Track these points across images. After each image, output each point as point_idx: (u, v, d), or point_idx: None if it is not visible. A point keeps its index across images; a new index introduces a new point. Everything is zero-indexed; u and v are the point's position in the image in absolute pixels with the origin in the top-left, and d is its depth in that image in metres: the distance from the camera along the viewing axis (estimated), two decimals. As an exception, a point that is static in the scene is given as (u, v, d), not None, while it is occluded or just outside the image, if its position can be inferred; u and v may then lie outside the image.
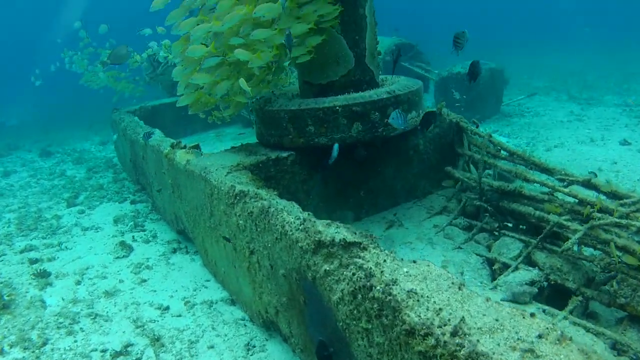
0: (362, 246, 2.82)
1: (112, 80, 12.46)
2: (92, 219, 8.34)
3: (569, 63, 23.97)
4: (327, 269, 2.91)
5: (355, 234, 2.93)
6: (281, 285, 3.62)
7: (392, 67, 6.12)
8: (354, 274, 2.71)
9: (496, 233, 5.19)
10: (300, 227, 3.17)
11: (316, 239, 2.99)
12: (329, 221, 3.16)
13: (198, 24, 4.62)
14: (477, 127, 6.18)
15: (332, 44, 5.08)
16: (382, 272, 2.58)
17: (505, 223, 5.29)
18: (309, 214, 3.38)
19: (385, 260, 2.68)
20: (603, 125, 11.81)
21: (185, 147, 5.81)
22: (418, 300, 2.36)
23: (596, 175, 6.10)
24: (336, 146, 4.61)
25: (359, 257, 2.76)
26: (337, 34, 5.07)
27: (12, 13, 48.12)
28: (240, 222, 4.04)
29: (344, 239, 2.86)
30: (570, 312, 3.92)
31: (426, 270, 2.60)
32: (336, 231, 2.98)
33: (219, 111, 5.81)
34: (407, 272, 2.57)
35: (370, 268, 2.64)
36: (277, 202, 3.71)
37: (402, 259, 2.73)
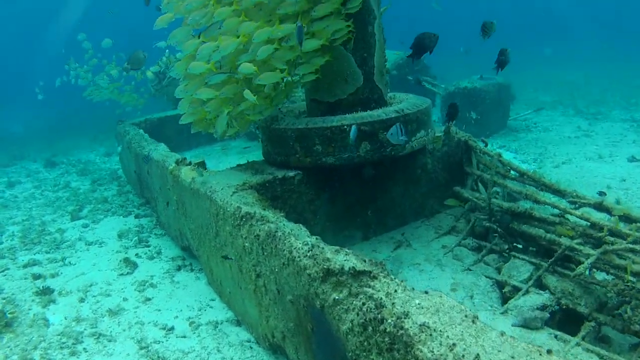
0: (372, 275, 2.75)
1: (115, 92, 12.46)
2: (96, 234, 8.28)
3: (573, 74, 23.91)
4: (336, 297, 2.84)
5: (365, 261, 2.86)
6: (288, 310, 3.54)
7: (398, 82, 6.03)
8: (363, 304, 2.64)
9: (506, 255, 5.10)
10: (309, 254, 3.10)
11: (325, 266, 2.92)
12: (337, 247, 3.09)
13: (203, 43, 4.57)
14: (486, 145, 6.11)
15: (341, 62, 5.03)
16: (393, 303, 2.51)
17: (515, 244, 5.21)
18: (317, 239, 3.31)
19: (396, 291, 2.61)
20: (611, 141, 11.72)
21: (190, 163, 5.76)
22: (431, 335, 2.29)
23: (605, 194, 6.04)
24: (354, 128, 4.52)
25: (369, 287, 2.69)
26: (346, 51, 5.03)
27: (16, 18, 48.31)
28: (247, 244, 3.97)
29: (353, 267, 2.79)
30: (583, 338, 3.83)
31: (439, 302, 2.53)
32: (345, 259, 2.91)
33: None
34: (419, 304, 2.50)
35: (381, 298, 2.57)
36: (284, 225, 3.65)
37: (413, 289, 2.66)
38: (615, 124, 13.41)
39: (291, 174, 4.97)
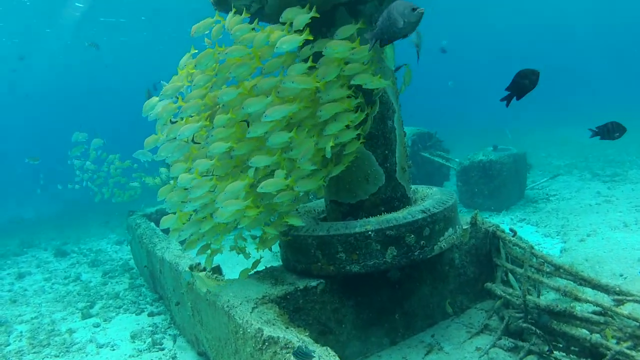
0: None
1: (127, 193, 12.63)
2: (107, 334, 7.91)
3: (582, 133, 23.79)
4: None
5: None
6: None
7: (411, 157, 5.71)
8: None
9: (546, 356, 4.72)
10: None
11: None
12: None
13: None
14: (515, 235, 5.80)
15: (361, 162, 4.82)
16: None
17: (555, 343, 4.83)
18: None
19: None
20: (633, 205, 11.38)
21: (204, 269, 5.47)
22: None
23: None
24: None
25: None
26: (366, 149, 4.81)
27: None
28: (271, 373, 3.63)
29: None
30: None
31: None
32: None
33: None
34: None
35: None
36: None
37: None
38: (636, 186, 13.11)
39: (313, 283, 4.65)
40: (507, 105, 4.31)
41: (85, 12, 28.91)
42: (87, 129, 12.42)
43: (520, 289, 5.11)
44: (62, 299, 10.08)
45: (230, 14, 4.40)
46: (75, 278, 11.58)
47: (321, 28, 4.72)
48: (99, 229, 17.59)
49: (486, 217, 11.66)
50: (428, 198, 5.17)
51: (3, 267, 13.68)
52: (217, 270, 5.37)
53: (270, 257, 7.79)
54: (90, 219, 19.17)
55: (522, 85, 4.17)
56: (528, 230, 10.76)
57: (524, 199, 13.01)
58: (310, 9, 4.65)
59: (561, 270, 5.13)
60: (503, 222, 11.42)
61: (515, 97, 4.23)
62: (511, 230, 5.88)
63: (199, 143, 4.41)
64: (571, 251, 8.98)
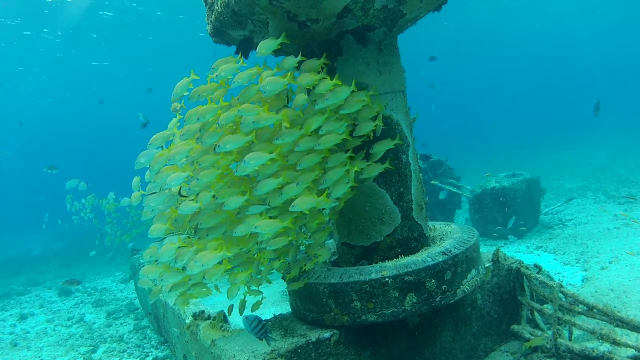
0: None
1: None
2: (110, 383, 7.54)
3: (589, 154, 23.50)
4: None
5: None
6: None
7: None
8: None
9: (583, 405, 4.32)
10: None
11: None
12: None
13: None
14: (540, 271, 5.43)
15: (374, 201, 4.47)
16: None
17: (592, 391, 4.42)
18: None
19: None
20: (655, 228, 10.99)
21: (209, 317, 5.11)
22: None
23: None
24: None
25: None
26: (379, 187, 4.47)
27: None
28: None
29: None
30: None
31: None
32: None
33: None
34: None
35: None
36: None
37: None
38: (654, 207, 12.74)
39: (326, 334, 4.26)
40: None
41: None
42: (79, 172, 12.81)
43: (548, 329, 4.71)
44: (65, 342, 9.72)
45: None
46: (78, 319, 11.22)
47: (328, 56, 4.44)
48: (104, 266, 17.28)
49: (501, 246, 11.29)
50: (447, 236, 4.80)
51: (6, 307, 13.37)
52: (223, 318, 5.00)
53: (279, 297, 7.41)
54: (96, 255, 18.87)
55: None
56: (546, 258, 10.34)
57: (538, 225, 12.61)
58: (314, 37, 4.39)
59: (595, 310, 4.73)
60: (519, 250, 11.02)
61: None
62: (536, 266, 5.51)
63: (186, 196, 4.07)
64: (594, 280, 8.53)
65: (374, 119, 4.22)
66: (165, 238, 4.02)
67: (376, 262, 4.51)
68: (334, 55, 4.51)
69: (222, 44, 5.15)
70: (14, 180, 55.49)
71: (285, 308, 6.54)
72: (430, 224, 5.26)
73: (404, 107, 4.71)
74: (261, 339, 3.92)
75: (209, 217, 3.98)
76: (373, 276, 4.08)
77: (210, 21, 4.78)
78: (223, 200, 3.87)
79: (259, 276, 4.42)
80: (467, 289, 4.37)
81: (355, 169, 4.10)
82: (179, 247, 3.91)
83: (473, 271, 4.49)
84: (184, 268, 3.96)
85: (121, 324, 10.32)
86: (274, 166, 3.93)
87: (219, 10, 4.43)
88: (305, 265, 4.36)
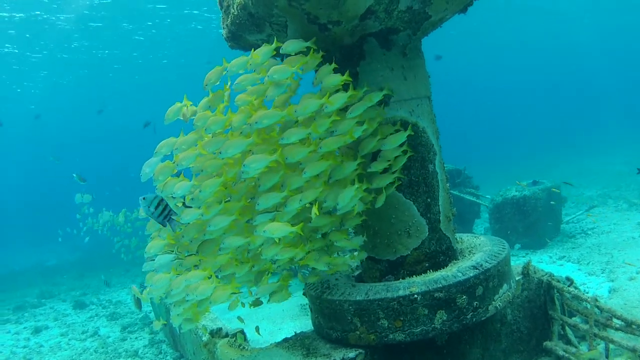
0: None
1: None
2: (125, 401, 7.36)
3: (606, 161, 23.15)
4: None
5: None
6: None
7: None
8: None
9: None
10: None
11: None
12: None
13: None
14: (571, 284, 5.18)
15: (400, 213, 4.27)
16: None
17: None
18: None
19: None
20: (681, 235, 10.68)
21: (227, 335, 4.92)
22: None
23: None
24: None
25: None
26: (406, 198, 4.27)
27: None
28: None
29: None
30: None
31: None
32: None
33: None
34: None
35: None
36: None
37: None
38: (678, 214, 12.41)
39: (352, 354, 4.04)
40: None
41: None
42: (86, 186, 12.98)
43: (580, 344, 4.47)
44: (79, 356, 9.56)
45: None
46: (93, 333, 11.06)
47: (350, 61, 4.27)
48: (119, 278, 17.17)
49: (522, 257, 11.01)
50: (477, 249, 4.59)
51: (20, 320, 13.28)
52: (241, 336, 4.81)
53: (298, 311, 7.21)
54: (111, 267, 18.79)
55: None
56: (570, 268, 10.04)
57: (560, 234, 12.30)
58: (335, 40, 4.21)
59: (634, 327, 4.48)
60: (541, 260, 10.74)
61: None
62: (567, 279, 5.27)
63: (190, 207, 3.87)
64: (622, 291, 8.23)
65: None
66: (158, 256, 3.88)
67: (403, 277, 4.30)
68: (357, 59, 4.33)
69: (238, 49, 4.98)
70: (28, 190, 55.62)
71: (304, 322, 6.34)
72: (457, 235, 5.05)
73: (429, 114, 4.51)
74: (164, 225, 3.61)
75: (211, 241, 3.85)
76: (401, 293, 3.87)
77: (226, 25, 4.62)
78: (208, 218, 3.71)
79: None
80: (499, 304, 4.15)
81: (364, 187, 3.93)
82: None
83: (505, 286, 4.27)
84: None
85: (136, 338, 10.14)
86: (276, 176, 3.74)
87: (236, 13, 4.27)
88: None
